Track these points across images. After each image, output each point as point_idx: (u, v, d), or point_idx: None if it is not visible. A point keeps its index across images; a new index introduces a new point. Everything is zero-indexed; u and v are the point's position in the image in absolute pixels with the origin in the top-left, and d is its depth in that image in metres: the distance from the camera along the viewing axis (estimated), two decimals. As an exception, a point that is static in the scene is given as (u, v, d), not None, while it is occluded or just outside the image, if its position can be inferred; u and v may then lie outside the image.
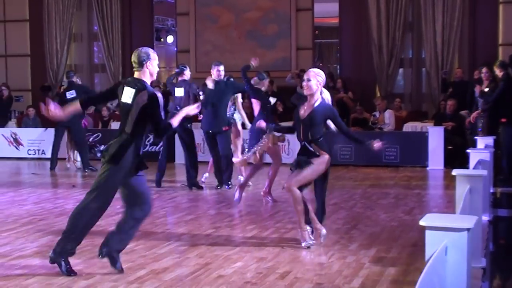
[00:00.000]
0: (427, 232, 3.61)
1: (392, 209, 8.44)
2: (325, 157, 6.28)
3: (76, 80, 12.78)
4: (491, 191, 9.23)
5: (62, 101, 10.57)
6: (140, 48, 5.51)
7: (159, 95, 5.32)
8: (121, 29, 17.40)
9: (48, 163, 13.04)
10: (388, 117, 13.88)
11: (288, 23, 16.33)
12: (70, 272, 5.38)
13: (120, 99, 5.40)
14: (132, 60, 5.45)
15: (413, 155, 12.51)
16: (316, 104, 6.30)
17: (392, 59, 15.33)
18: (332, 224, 7.40)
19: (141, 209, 5.40)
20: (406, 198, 9.31)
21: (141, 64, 5.37)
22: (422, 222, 3.64)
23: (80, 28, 17.92)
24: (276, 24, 16.44)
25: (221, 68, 9.92)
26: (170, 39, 20.51)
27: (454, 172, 5.90)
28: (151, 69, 5.39)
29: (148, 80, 5.40)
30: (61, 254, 5.38)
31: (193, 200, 9.29)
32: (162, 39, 20.48)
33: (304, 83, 6.33)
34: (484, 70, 11.59)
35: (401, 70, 15.99)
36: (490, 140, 9.57)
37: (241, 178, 9.86)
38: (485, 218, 7.33)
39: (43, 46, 17.81)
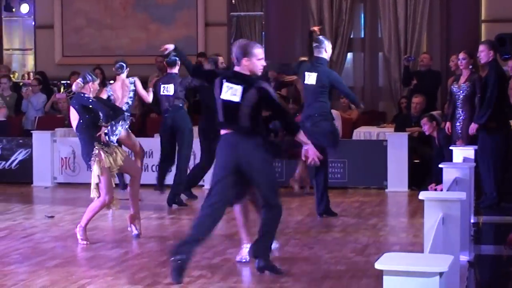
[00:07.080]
0: (386, 279, 3.65)
1: (339, 247, 8.50)
2: None
3: None
4: (472, 220, 9.43)
5: None
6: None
7: None
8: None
9: None
10: (333, 120, 14.02)
11: (194, -11, 16.37)
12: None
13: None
14: None
15: (366, 173, 12.65)
16: None
17: (337, 39, 15.53)
18: (253, 269, 7.39)
19: None
20: (357, 231, 9.40)
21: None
22: (378, 265, 3.67)
23: None
24: (176, -10, 16.45)
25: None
26: (24, 8, 20.12)
27: (422, 195, 5.99)
28: None
29: None
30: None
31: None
32: (14, 9, 20.11)
33: None
34: (461, 55, 11.65)
35: (350, 55, 16.22)
36: (470, 151, 9.75)
37: None
38: (464, 258, 7.48)
39: None
